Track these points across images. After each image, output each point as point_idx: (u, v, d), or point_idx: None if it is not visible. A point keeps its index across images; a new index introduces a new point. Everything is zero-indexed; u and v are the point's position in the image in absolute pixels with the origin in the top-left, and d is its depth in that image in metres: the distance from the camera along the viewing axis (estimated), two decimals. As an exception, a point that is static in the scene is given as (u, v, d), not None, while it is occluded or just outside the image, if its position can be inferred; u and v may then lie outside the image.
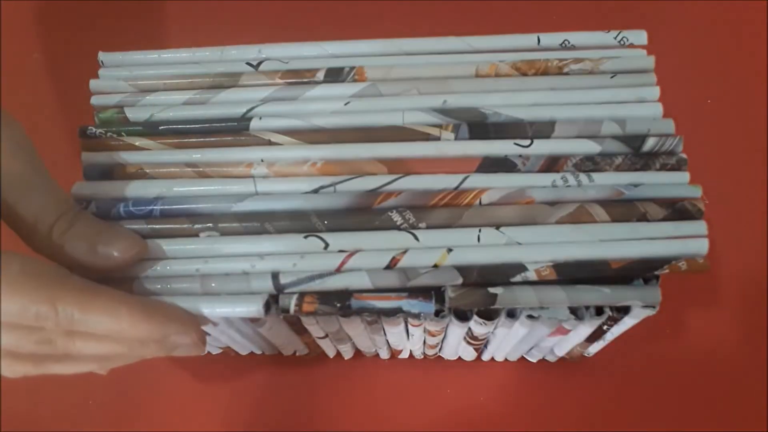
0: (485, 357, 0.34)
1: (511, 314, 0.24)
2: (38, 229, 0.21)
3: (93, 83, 0.27)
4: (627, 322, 0.25)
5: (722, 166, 0.38)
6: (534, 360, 0.34)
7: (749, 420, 0.33)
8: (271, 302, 0.23)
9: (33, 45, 0.44)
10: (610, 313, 0.24)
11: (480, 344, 0.30)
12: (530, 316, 0.24)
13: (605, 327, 0.26)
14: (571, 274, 0.22)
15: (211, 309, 0.22)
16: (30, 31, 0.44)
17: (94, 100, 0.27)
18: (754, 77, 0.41)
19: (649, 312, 0.23)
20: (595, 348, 0.30)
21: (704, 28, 0.42)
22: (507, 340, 0.28)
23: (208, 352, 0.35)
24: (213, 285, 0.23)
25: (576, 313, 0.24)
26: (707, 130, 0.39)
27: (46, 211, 0.21)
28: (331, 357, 0.34)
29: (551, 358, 0.34)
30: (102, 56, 0.28)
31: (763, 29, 0.42)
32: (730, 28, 0.43)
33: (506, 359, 0.34)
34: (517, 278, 0.22)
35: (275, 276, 0.22)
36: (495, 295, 0.22)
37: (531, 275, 0.22)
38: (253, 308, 0.22)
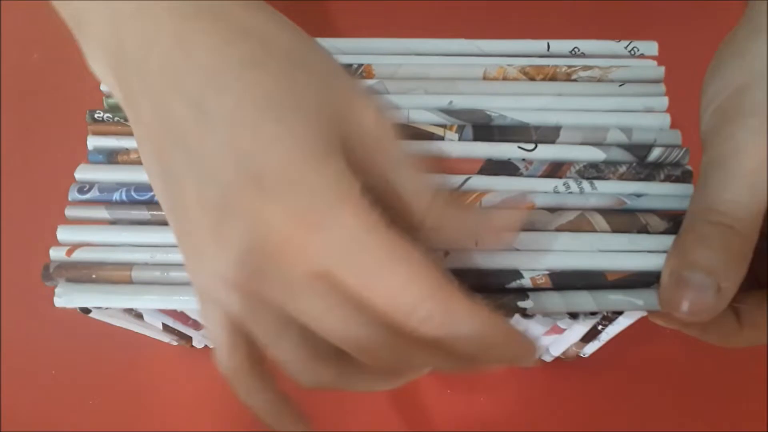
0: (481, 357, 0.34)
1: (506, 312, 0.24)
2: None
3: (104, 69, 0.27)
4: (622, 322, 0.25)
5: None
6: (529, 360, 0.34)
7: (749, 420, 0.33)
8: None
9: (38, 37, 0.45)
10: (605, 313, 0.24)
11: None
12: (525, 315, 0.23)
13: (600, 327, 0.26)
14: (566, 283, 0.22)
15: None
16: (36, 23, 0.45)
17: (104, 86, 0.27)
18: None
19: (643, 312, 0.23)
20: (590, 348, 0.30)
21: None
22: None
23: (205, 346, 0.35)
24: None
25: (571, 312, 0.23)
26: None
27: None
28: (328, 353, 0.35)
29: (547, 358, 0.34)
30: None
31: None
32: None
33: (502, 359, 0.34)
34: (512, 285, 0.22)
35: (271, 268, 0.23)
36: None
37: (526, 282, 0.22)
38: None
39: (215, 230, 0.17)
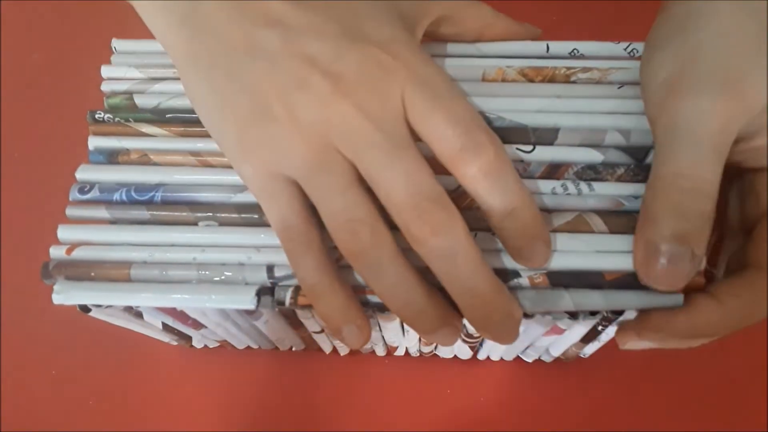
0: (481, 356, 0.34)
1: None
2: None
3: (104, 69, 0.27)
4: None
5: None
6: (530, 360, 0.34)
7: (749, 420, 0.33)
8: (263, 294, 0.23)
9: (39, 37, 0.45)
10: (605, 314, 0.24)
11: (475, 342, 0.30)
12: (525, 315, 0.24)
13: (600, 327, 0.26)
14: (564, 283, 0.22)
15: (205, 299, 0.22)
16: (38, 23, 0.45)
17: (105, 86, 0.27)
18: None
19: None
20: (590, 349, 0.30)
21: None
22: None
23: (205, 346, 0.35)
24: (208, 274, 0.23)
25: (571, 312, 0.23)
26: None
27: None
28: (327, 353, 0.35)
29: (547, 359, 0.34)
30: (115, 43, 0.28)
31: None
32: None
33: (502, 359, 0.34)
34: (511, 284, 0.22)
35: (270, 269, 0.23)
36: None
37: (524, 282, 0.22)
38: (246, 298, 0.22)
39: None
